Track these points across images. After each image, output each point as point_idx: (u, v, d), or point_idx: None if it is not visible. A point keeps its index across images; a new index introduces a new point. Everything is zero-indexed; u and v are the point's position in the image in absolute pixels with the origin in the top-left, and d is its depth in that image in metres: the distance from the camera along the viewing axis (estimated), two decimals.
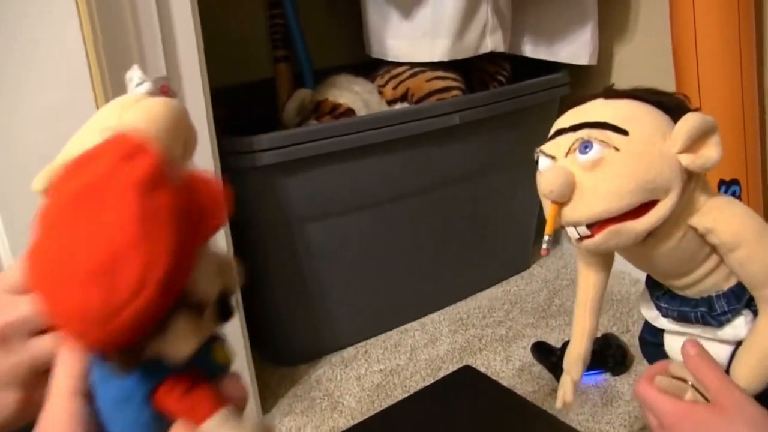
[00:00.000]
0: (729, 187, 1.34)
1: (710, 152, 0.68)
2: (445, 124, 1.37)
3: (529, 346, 1.42)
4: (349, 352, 1.48)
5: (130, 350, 0.35)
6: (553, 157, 0.71)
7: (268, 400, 1.34)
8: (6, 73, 0.92)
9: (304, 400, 1.33)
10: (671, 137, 0.68)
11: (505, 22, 1.50)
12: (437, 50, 1.44)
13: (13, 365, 0.52)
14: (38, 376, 0.53)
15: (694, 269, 0.73)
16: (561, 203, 0.69)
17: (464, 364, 1.39)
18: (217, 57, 1.25)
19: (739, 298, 0.73)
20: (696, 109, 0.71)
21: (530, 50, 1.61)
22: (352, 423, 1.24)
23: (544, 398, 1.28)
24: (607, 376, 1.32)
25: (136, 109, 0.55)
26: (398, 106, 1.47)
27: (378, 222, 1.41)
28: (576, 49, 1.60)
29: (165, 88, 0.59)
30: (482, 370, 1.37)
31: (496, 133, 1.50)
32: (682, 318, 0.77)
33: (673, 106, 0.71)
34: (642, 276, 0.83)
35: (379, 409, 1.28)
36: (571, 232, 0.71)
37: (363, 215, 1.39)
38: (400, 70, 1.49)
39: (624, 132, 0.68)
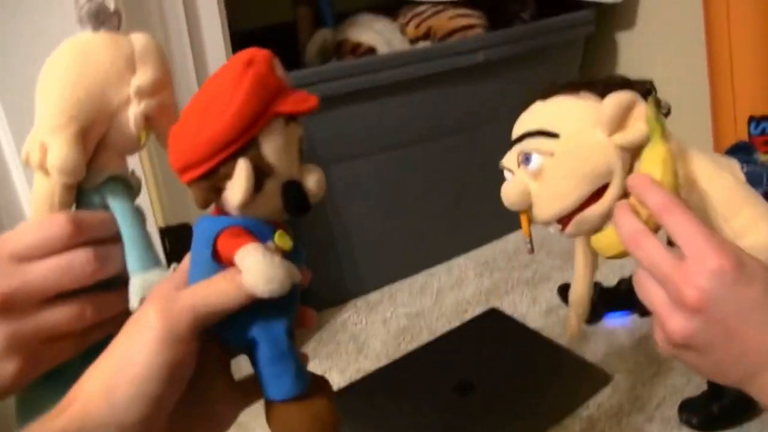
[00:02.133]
0: (759, 123, 1.31)
1: (639, 123, 0.68)
2: (468, 62, 1.33)
3: (556, 288, 1.40)
4: (374, 295, 1.47)
5: (204, 179, 0.45)
6: (511, 171, 0.75)
7: None
8: None
9: (329, 344, 1.32)
10: (600, 124, 0.69)
11: None
12: None
13: (15, 333, 0.50)
14: (43, 344, 0.53)
15: None
16: (526, 210, 0.74)
17: (490, 306, 1.38)
18: (234, 1, 1.23)
19: None
20: (633, 85, 0.71)
21: None
22: (378, 365, 1.24)
23: (571, 340, 1.27)
24: (635, 317, 1.30)
25: (146, 60, 0.55)
26: (420, 44, 1.44)
27: (402, 163, 1.38)
28: None
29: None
30: (509, 312, 1.36)
31: (520, 72, 1.46)
32: None
33: (604, 94, 0.71)
34: None
35: (406, 351, 1.27)
36: (549, 228, 0.76)
37: (387, 156, 1.37)
38: (422, 8, 1.45)
39: (555, 135, 0.70)
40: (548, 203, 0.72)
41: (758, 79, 1.31)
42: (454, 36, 1.40)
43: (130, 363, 0.43)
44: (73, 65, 0.53)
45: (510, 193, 0.73)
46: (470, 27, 1.41)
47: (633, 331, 1.27)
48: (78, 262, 0.52)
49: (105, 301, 0.54)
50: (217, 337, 0.49)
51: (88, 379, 0.44)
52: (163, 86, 0.55)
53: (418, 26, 1.43)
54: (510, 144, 0.78)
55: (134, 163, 1.01)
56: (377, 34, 1.38)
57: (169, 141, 0.48)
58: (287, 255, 0.49)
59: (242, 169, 0.45)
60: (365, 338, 1.33)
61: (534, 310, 1.37)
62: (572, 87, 0.74)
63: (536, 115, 0.76)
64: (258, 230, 0.48)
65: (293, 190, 0.49)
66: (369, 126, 1.31)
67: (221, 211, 0.49)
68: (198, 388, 0.49)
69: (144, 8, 1.00)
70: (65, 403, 0.43)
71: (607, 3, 1.57)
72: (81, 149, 0.53)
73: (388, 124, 1.33)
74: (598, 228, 0.73)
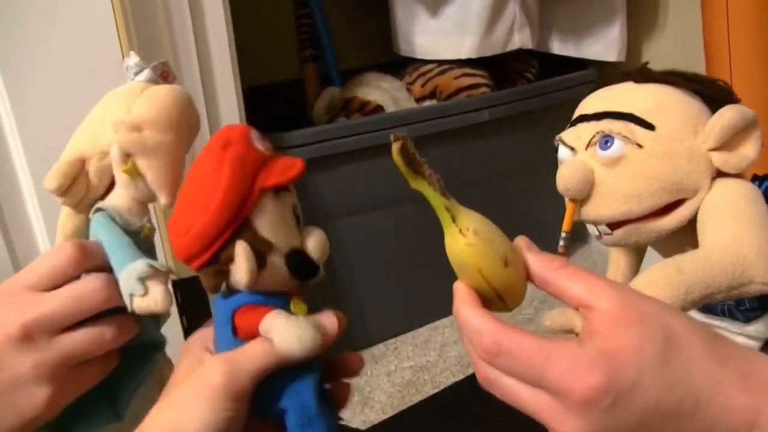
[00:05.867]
0: (762, 182, 1.32)
1: (747, 150, 0.61)
2: (473, 121, 1.37)
3: None
4: (379, 348, 1.48)
5: (208, 266, 0.46)
6: (572, 148, 0.66)
7: None
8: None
9: None
10: (704, 132, 0.61)
11: (533, 19, 1.50)
12: (465, 47, 1.44)
13: (38, 362, 0.52)
14: (70, 371, 0.54)
15: None
16: (579, 200, 0.64)
17: None
18: (246, 58, 1.27)
19: None
20: (737, 101, 0.64)
21: (558, 47, 1.61)
22: (383, 417, 1.25)
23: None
24: None
25: (143, 100, 0.56)
26: (427, 103, 1.47)
27: (407, 219, 1.41)
28: (604, 45, 1.59)
29: (165, 73, 0.60)
30: None
31: (524, 131, 1.50)
32: (705, 308, 0.71)
33: (712, 96, 0.64)
34: None
35: (410, 404, 1.28)
36: (591, 228, 0.67)
37: (392, 212, 1.39)
38: (428, 67, 1.49)
39: (650, 126, 0.61)
40: (614, 201, 0.62)
41: (762, 136, 1.32)
42: (460, 95, 1.44)
43: (193, 416, 0.45)
44: (98, 105, 0.58)
45: (571, 176, 0.62)
46: (476, 86, 1.44)
47: None
48: (91, 289, 0.53)
49: (123, 324, 0.56)
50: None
51: (149, 426, 0.46)
52: (149, 125, 0.55)
53: (424, 85, 1.47)
54: (574, 120, 0.67)
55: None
56: (384, 93, 1.41)
57: (168, 233, 0.48)
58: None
59: (241, 253, 0.45)
60: (370, 391, 1.34)
61: None
62: (673, 80, 0.64)
63: (630, 96, 0.64)
64: (272, 302, 0.48)
65: (297, 259, 0.48)
66: (376, 182, 1.34)
67: (233, 289, 0.49)
68: None
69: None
70: None
71: (609, 61, 1.61)
72: (68, 173, 0.57)
73: (394, 180, 1.34)
74: (649, 243, 0.66)
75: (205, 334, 0.52)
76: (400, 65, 1.57)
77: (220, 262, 0.46)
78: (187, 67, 1.07)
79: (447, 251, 0.49)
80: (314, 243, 0.50)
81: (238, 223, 0.45)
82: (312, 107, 1.45)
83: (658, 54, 1.64)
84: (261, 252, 0.46)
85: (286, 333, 0.46)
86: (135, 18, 0.98)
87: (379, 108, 1.37)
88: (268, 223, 0.46)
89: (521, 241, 0.50)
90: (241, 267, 0.45)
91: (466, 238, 0.48)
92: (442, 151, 1.38)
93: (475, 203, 1.59)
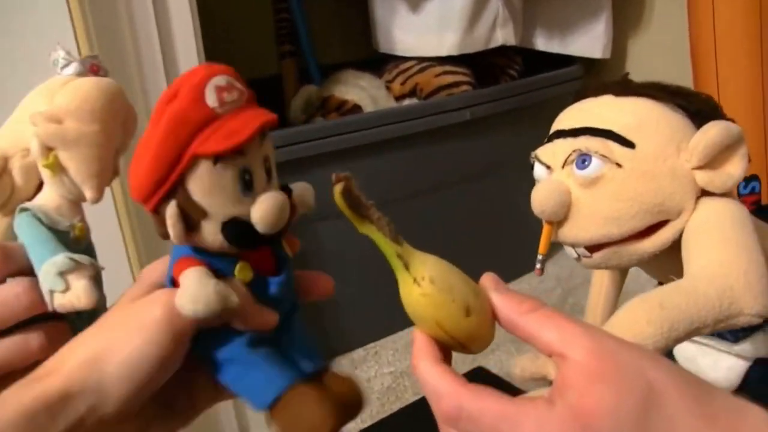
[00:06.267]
0: (748, 183, 1.30)
1: (732, 169, 0.58)
2: (455, 120, 1.33)
3: None
4: (358, 353, 1.45)
5: (156, 215, 0.44)
6: (548, 167, 0.63)
7: None
8: None
9: None
10: (687, 150, 0.58)
11: (516, 15, 1.47)
12: (446, 44, 1.41)
13: None
14: None
15: None
16: (556, 222, 0.61)
17: (477, 365, 1.36)
18: (222, 54, 1.23)
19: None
20: (723, 115, 0.61)
21: (542, 43, 1.58)
22: (361, 426, 1.22)
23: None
24: None
25: (65, 91, 0.52)
26: (407, 101, 1.44)
27: None
28: (589, 41, 1.56)
29: (95, 67, 0.57)
30: (495, 371, 1.33)
31: (507, 129, 1.46)
32: None
33: (696, 110, 0.61)
34: None
35: (390, 412, 1.25)
36: (570, 250, 0.64)
37: None
38: (408, 65, 1.45)
39: (630, 144, 0.58)
40: (592, 223, 0.59)
41: (747, 136, 1.30)
42: (441, 93, 1.40)
43: (125, 343, 0.42)
44: (24, 101, 0.55)
45: (546, 198, 0.60)
46: (457, 84, 1.41)
47: None
48: (12, 294, 0.50)
49: (52, 331, 0.51)
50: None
51: (72, 351, 0.43)
52: (70, 116, 0.52)
53: (404, 83, 1.43)
54: (551, 135, 0.64)
55: (112, 225, 1.01)
56: (362, 91, 1.37)
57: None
58: (267, 280, 0.48)
59: (169, 215, 0.43)
60: None
61: None
62: (655, 93, 0.61)
63: (609, 112, 0.61)
64: (214, 263, 0.46)
65: (233, 230, 0.45)
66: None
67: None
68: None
69: (123, 61, 1.00)
70: (42, 372, 0.42)
71: (595, 58, 1.58)
72: None
73: (373, 182, 1.32)
74: (631, 266, 0.63)
75: (161, 268, 0.49)
76: (381, 61, 1.53)
77: (162, 215, 0.44)
78: (150, 63, 1.03)
79: (402, 301, 0.45)
80: (260, 213, 0.45)
81: (168, 185, 0.43)
82: (288, 104, 1.41)
83: (643, 50, 1.62)
84: (192, 216, 0.43)
85: (185, 290, 0.43)
86: (94, 16, 0.94)
87: (356, 108, 1.34)
88: (200, 190, 0.43)
89: (487, 280, 0.46)
90: (168, 227, 0.43)
91: (422, 287, 0.43)
92: (423, 152, 1.35)
93: (459, 204, 1.57)
